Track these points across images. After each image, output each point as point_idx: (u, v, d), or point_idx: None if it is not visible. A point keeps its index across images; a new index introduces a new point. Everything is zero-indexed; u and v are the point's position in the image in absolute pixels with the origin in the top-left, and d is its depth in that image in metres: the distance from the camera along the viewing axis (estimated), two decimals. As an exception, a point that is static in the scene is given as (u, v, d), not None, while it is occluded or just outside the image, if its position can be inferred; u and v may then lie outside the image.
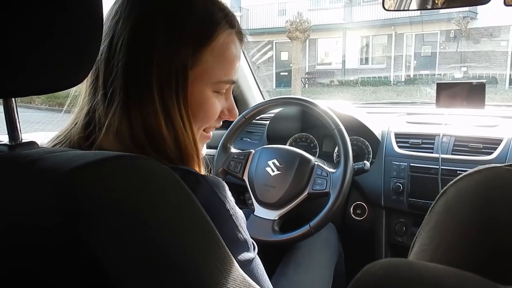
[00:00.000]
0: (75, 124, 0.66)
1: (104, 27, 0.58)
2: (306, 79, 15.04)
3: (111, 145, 0.62)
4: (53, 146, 0.66)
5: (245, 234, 0.63)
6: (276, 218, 1.21)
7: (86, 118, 0.64)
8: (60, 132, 0.68)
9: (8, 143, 0.50)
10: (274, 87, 14.64)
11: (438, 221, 0.45)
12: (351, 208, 1.45)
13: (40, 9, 0.44)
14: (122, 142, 0.61)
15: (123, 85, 0.60)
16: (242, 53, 1.73)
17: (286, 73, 14.82)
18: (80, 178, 0.42)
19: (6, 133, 0.50)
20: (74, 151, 0.48)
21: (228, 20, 0.65)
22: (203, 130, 0.72)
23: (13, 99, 0.50)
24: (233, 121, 1.41)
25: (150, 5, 0.61)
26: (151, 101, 0.60)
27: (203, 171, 0.68)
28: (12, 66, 0.44)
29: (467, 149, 1.30)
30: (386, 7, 1.29)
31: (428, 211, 0.48)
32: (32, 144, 0.51)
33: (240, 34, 0.68)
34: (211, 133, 0.75)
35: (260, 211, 1.24)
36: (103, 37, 0.58)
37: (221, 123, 0.74)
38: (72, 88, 0.61)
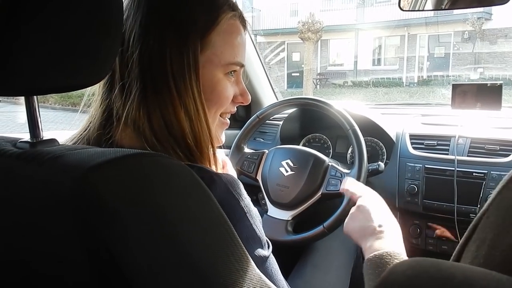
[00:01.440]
0: (92, 122, 0.67)
1: None
2: (318, 80, 15.00)
3: (130, 139, 0.64)
4: (73, 143, 0.67)
5: (260, 232, 0.63)
6: (290, 219, 1.21)
7: (104, 115, 0.65)
8: (78, 131, 0.69)
9: (29, 140, 0.51)
10: (285, 87, 14.63)
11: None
12: (365, 209, 1.44)
13: (61, 8, 0.44)
14: (141, 133, 0.62)
15: (139, 75, 0.62)
16: (256, 54, 1.73)
17: (298, 74, 14.79)
18: (100, 175, 0.42)
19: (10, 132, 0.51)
20: (95, 148, 0.48)
21: (230, 4, 0.68)
22: (220, 116, 0.73)
23: (35, 97, 0.51)
24: (246, 121, 1.41)
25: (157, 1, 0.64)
26: (167, 88, 0.62)
27: (219, 164, 0.69)
28: (34, 65, 0.44)
29: (483, 151, 1.29)
30: (402, 7, 1.29)
31: (496, 193, 0.45)
32: (53, 141, 0.51)
33: (242, 18, 0.71)
34: (227, 119, 0.77)
35: (273, 211, 1.24)
36: None
37: (236, 109, 0.76)
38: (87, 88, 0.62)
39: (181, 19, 0.63)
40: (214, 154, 0.68)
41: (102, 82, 0.66)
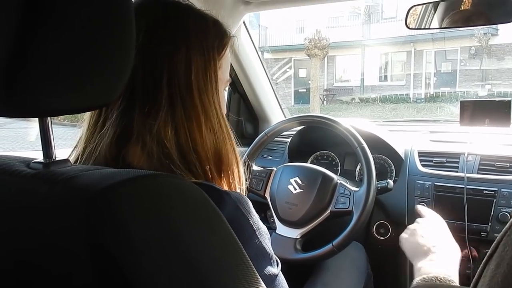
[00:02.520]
0: (102, 141, 0.65)
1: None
2: (325, 96, 15.03)
3: (147, 158, 0.64)
4: (81, 159, 0.67)
5: (269, 249, 0.64)
6: (298, 237, 1.20)
7: (117, 133, 0.65)
8: (84, 142, 0.68)
9: (43, 160, 0.51)
10: (292, 103, 14.66)
11: None
12: (374, 228, 1.43)
13: (74, 31, 0.45)
14: (165, 151, 0.63)
15: (168, 91, 0.63)
16: (264, 71, 1.75)
17: (305, 90, 14.83)
18: (113, 195, 0.43)
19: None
20: (107, 169, 0.49)
21: (228, 30, 0.73)
22: None
23: (48, 118, 0.52)
24: (254, 138, 1.41)
25: (183, 23, 0.67)
26: (193, 104, 0.65)
27: (243, 181, 0.72)
28: (48, 87, 0.45)
29: (493, 168, 1.28)
30: (408, 25, 1.30)
31: None
32: (65, 162, 0.52)
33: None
34: None
35: (282, 229, 1.23)
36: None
37: None
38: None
39: (205, 42, 0.67)
40: (238, 169, 0.71)
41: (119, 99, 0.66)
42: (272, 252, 0.65)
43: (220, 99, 0.71)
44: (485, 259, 0.46)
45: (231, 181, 0.69)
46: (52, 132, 0.53)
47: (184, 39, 0.65)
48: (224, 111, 0.74)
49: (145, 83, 0.64)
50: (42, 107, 0.46)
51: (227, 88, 0.78)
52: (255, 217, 0.63)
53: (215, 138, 0.67)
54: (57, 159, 0.52)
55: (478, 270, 0.47)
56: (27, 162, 0.53)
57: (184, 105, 0.64)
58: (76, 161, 0.67)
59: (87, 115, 0.70)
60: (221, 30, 0.71)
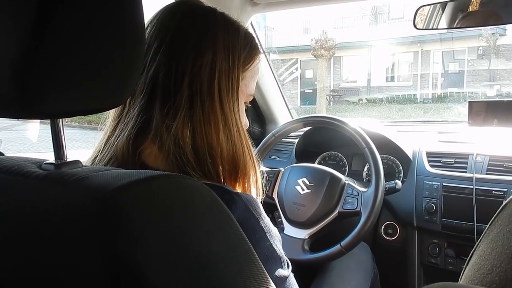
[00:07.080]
0: (121, 139, 0.67)
1: (158, 43, 0.65)
2: (331, 97, 14.99)
3: (163, 157, 0.65)
4: (103, 150, 0.68)
5: (280, 251, 0.64)
6: (306, 237, 1.20)
7: (136, 126, 0.66)
8: (100, 146, 0.69)
9: (54, 162, 0.52)
10: (299, 104, 14.63)
11: (500, 232, 0.45)
12: (382, 228, 1.42)
13: (84, 34, 0.45)
14: (183, 155, 0.63)
15: (189, 92, 0.64)
16: (271, 72, 1.75)
17: (311, 91, 14.80)
18: (124, 196, 0.43)
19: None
20: (118, 170, 0.49)
21: (260, 45, 0.75)
22: None
23: (60, 119, 0.52)
24: (262, 139, 1.42)
25: (211, 29, 0.68)
26: (212, 109, 0.66)
27: (260, 188, 0.73)
28: (60, 88, 0.45)
29: (502, 168, 1.27)
30: (416, 25, 1.29)
31: (488, 225, 0.47)
32: (76, 163, 0.52)
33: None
34: None
35: (290, 230, 1.23)
36: (158, 54, 0.65)
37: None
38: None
39: (232, 50, 0.68)
40: (256, 177, 0.71)
41: (137, 100, 0.67)
42: (283, 254, 0.65)
43: (240, 110, 0.72)
44: (469, 257, 0.48)
45: (246, 187, 0.70)
46: (64, 134, 0.53)
47: (211, 44, 0.66)
48: (245, 123, 0.75)
49: (167, 81, 0.65)
50: (54, 108, 0.47)
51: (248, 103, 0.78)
52: (265, 219, 0.63)
53: (232, 146, 0.67)
54: (68, 160, 0.52)
55: (464, 266, 0.48)
56: (39, 163, 0.53)
57: (203, 108, 0.65)
58: (98, 151, 0.69)
59: (111, 110, 0.71)
60: (251, 43, 0.73)
